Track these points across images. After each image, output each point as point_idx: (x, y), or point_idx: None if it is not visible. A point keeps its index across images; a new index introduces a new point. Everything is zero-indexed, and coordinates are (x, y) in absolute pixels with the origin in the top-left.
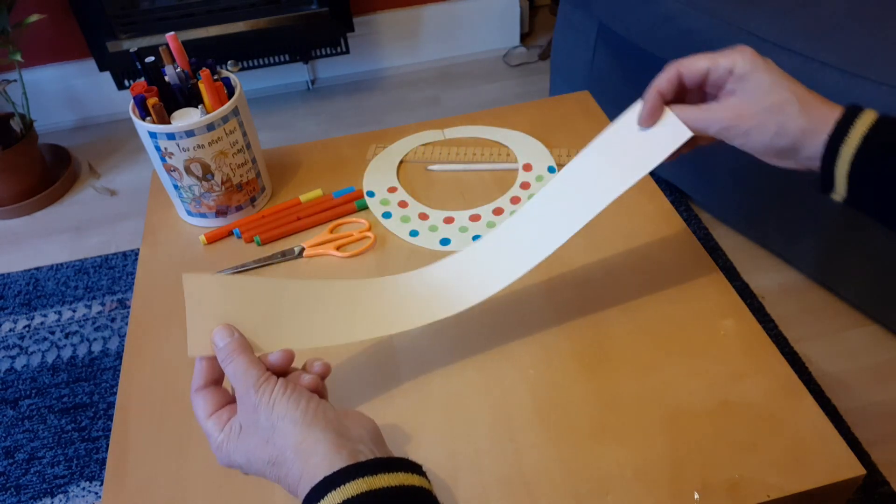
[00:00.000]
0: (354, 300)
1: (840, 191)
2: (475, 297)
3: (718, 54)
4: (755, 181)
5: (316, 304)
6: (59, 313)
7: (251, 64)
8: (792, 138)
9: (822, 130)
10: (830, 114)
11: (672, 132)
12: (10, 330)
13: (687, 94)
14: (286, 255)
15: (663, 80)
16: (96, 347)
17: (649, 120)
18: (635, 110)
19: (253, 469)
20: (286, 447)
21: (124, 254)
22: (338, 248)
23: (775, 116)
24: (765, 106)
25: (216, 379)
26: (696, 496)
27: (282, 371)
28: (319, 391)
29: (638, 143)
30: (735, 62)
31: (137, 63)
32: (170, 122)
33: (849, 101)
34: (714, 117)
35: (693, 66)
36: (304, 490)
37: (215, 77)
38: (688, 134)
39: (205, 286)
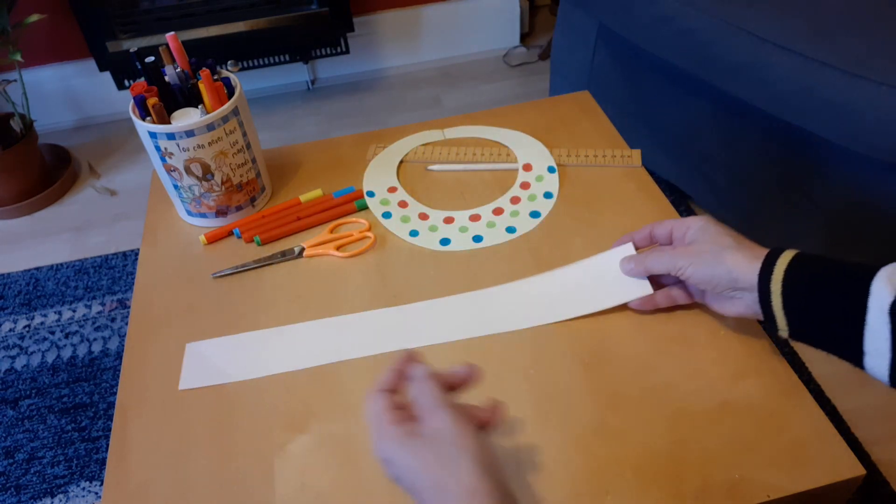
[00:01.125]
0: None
1: (781, 324)
2: (431, 339)
3: (682, 218)
4: (755, 181)
5: (297, 339)
6: (59, 313)
7: (251, 64)
8: (727, 268)
9: (753, 264)
10: (761, 252)
11: (639, 285)
12: (10, 330)
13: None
14: (286, 255)
15: (637, 233)
16: (96, 347)
17: (617, 243)
18: (621, 250)
19: (405, 479)
20: (460, 484)
21: (124, 254)
22: (338, 248)
23: (714, 249)
24: (708, 243)
25: (397, 389)
26: None
27: (461, 386)
28: (487, 422)
29: (618, 281)
30: (692, 221)
31: (137, 63)
32: (170, 122)
33: (849, 102)
34: (667, 255)
35: (662, 224)
36: None
37: (215, 77)
38: (648, 290)
39: (204, 347)
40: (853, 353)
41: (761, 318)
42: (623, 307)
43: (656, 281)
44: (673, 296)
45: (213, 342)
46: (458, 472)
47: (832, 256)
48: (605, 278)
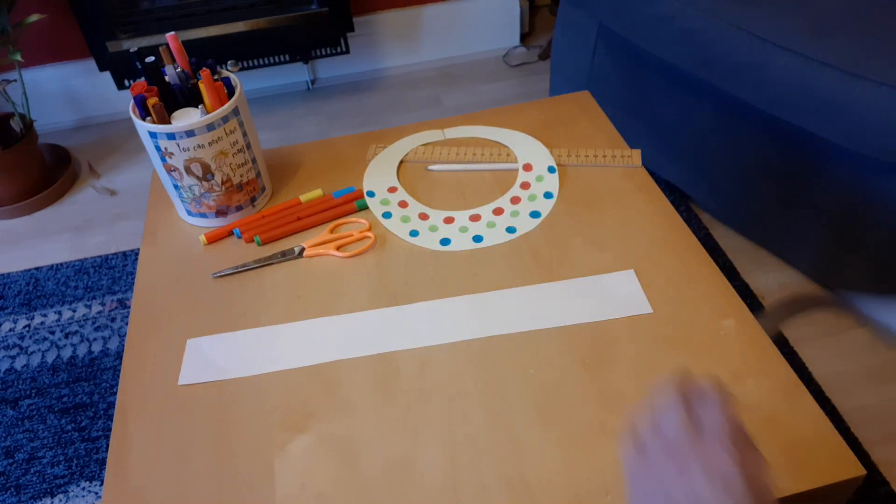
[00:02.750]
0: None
1: None
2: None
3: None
4: (755, 181)
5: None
6: (59, 313)
7: (251, 64)
8: None
9: None
10: None
11: (640, 304)
12: (10, 330)
13: None
14: (286, 255)
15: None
16: (96, 347)
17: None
18: (620, 277)
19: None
20: None
21: (124, 254)
22: (338, 248)
23: None
24: None
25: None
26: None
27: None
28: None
29: (619, 298)
30: None
31: (137, 63)
32: (170, 122)
33: (848, 102)
34: None
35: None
36: None
37: (215, 77)
38: (648, 309)
39: (204, 343)
40: None
41: None
42: None
43: None
44: None
45: (213, 338)
46: None
47: None
48: (605, 292)
